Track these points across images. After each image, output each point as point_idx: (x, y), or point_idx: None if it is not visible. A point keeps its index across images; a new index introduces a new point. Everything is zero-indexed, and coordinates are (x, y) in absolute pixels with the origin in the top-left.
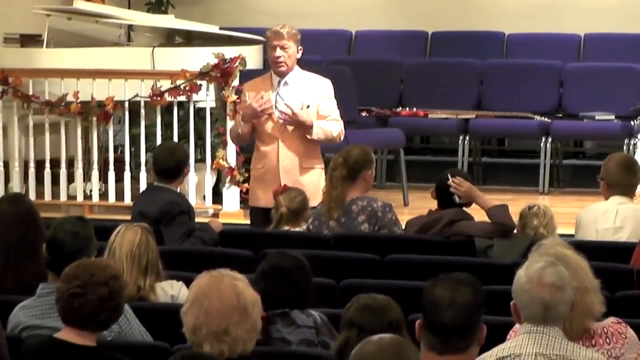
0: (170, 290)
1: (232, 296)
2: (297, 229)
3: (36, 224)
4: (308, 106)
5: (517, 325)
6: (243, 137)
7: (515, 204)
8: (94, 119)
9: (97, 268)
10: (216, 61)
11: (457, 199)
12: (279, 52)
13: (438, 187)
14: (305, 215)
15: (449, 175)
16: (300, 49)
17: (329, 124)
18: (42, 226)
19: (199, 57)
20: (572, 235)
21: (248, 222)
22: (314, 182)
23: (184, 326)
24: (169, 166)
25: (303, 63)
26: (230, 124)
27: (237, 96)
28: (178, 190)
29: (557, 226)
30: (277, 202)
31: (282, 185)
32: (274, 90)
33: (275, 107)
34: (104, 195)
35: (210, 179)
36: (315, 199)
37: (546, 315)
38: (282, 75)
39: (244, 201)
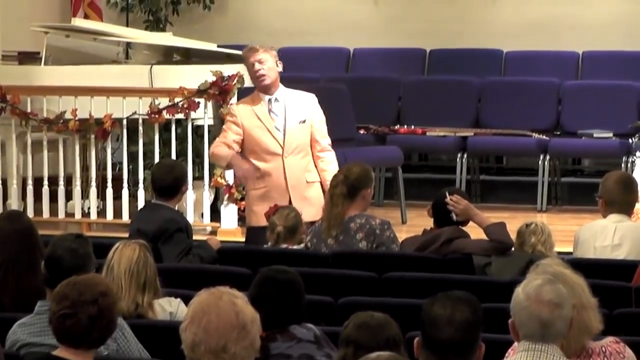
0: (168, 307)
1: (231, 313)
2: (295, 247)
3: (34, 241)
4: (304, 121)
5: (515, 343)
6: (222, 163)
7: (514, 221)
8: (92, 136)
9: (86, 286)
10: (214, 79)
11: (454, 217)
12: (257, 66)
13: (435, 205)
14: (301, 231)
15: (447, 193)
16: (280, 64)
17: (333, 166)
18: (40, 243)
19: (197, 75)
20: (571, 253)
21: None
22: (318, 197)
23: (182, 343)
24: (167, 184)
25: (301, 81)
26: None
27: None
28: (176, 208)
29: (555, 244)
30: (272, 223)
31: (274, 205)
32: (266, 108)
33: (274, 125)
34: (102, 212)
35: (208, 197)
36: (320, 214)
37: (544, 332)
38: (267, 89)
39: (242, 219)
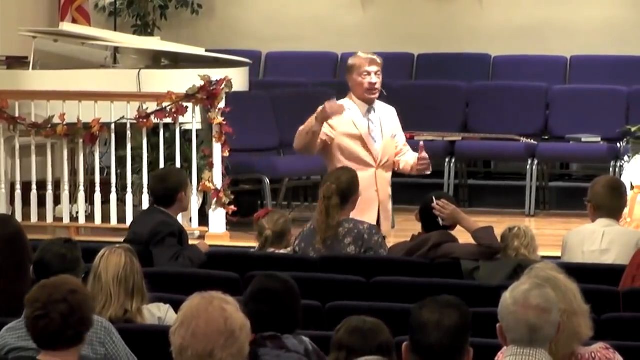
0: (157, 312)
1: (220, 319)
2: (282, 251)
3: (22, 245)
4: (395, 136)
5: (504, 348)
6: (311, 143)
7: (501, 226)
8: (80, 141)
9: (54, 286)
10: (202, 83)
11: (441, 222)
12: (375, 78)
13: (422, 210)
14: (288, 236)
15: (434, 198)
16: None
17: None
18: (29, 248)
19: (185, 79)
20: (559, 258)
21: (234, 244)
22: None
23: (172, 346)
24: (160, 194)
25: (289, 85)
26: (216, 146)
27: (222, 118)
28: (175, 216)
29: (544, 248)
30: (261, 226)
31: (265, 209)
32: (365, 118)
33: (370, 136)
34: (90, 217)
35: (196, 201)
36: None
37: (532, 337)
38: (372, 102)
39: (230, 223)
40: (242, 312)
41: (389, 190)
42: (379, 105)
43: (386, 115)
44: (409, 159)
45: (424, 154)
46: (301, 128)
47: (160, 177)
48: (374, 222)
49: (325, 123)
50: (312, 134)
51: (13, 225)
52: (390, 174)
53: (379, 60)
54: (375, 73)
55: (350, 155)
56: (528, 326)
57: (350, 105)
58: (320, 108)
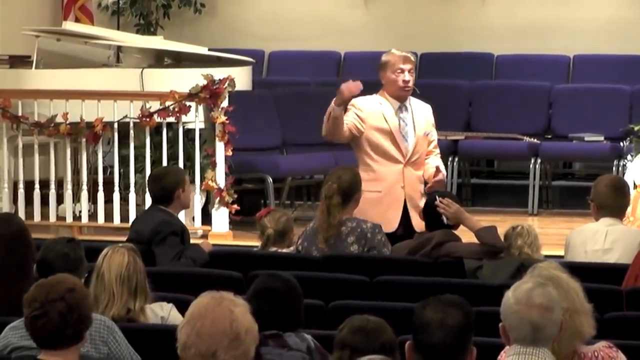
0: (160, 311)
1: (226, 321)
2: (285, 250)
3: (26, 244)
4: (427, 134)
5: (507, 347)
6: (335, 128)
7: (504, 225)
8: (83, 140)
9: (52, 285)
10: (205, 82)
11: (445, 221)
12: (408, 76)
13: (426, 209)
14: (290, 235)
15: (437, 197)
16: None
17: (441, 165)
18: (33, 247)
19: (188, 79)
20: (562, 257)
21: (237, 243)
22: None
23: (177, 341)
24: (157, 194)
25: (292, 84)
26: (219, 145)
27: (225, 117)
28: (176, 213)
29: (546, 247)
30: (262, 225)
31: (267, 208)
32: (395, 114)
33: (400, 132)
34: (93, 216)
35: (199, 200)
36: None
37: (535, 336)
38: (404, 99)
39: (232, 222)
40: (251, 315)
41: (420, 188)
42: (414, 102)
43: (421, 113)
44: (430, 165)
45: (440, 177)
46: (325, 117)
47: (156, 177)
48: (397, 218)
49: (355, 114)
50: (334, 119)
51: (16, 224)
52: (421, 171)
53: (412, 58)
54: (409, 71)
55: (378, 150)
56: (531, 325)
57: (381, 100)
58: (338, 91)
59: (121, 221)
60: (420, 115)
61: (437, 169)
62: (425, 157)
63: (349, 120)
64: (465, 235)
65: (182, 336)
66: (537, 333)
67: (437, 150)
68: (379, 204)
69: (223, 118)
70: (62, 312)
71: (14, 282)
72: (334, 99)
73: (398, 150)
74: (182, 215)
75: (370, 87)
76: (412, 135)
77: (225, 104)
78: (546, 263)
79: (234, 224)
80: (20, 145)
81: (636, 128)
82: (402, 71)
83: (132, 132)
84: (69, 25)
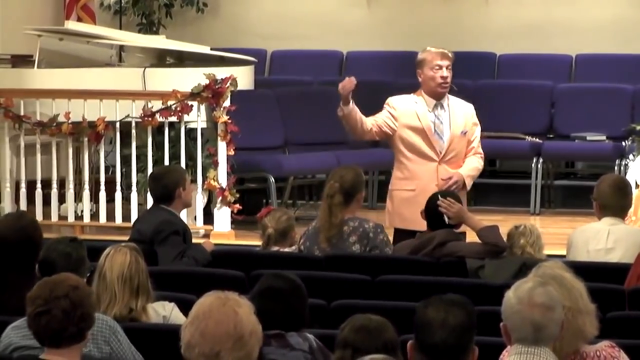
0: (162, 311)
1: (230, 323)
2: (287, 249)
3: (33, 244)
4: (465, 133)
5: (509, 347)
6: (351, 128)
7: (506, 224)
8: (85, 139)
9: (56, 283)
10: (207, 82)
11: (447, 220)
12: (446, 72)
13: (428, 208)
14: (292, 234)
15: (439, 196)
16: None
17: (471, 165)
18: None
19: (190, 78)
20: (564, 256)
21: (239, 242)
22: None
23: (181, 340)
24: (158, 193)
25: (294, 83)
26: (221, 144)
27: (228, 117)
28: (178, 212)
29: (549, 247)
30: (263, 224)
31: (267, 207)
32: (431, 112)
33: (435, 130)
34: (95, 215)
35: (201, 200)
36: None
37: (537, 336)
38: (442, 97)
39: (235, 222)
40: (255, 316)
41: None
42: (453, 100)
43: (459, 111)
44: (464, 165)
45: (450, 184)
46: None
47: (156, 176)
48: None
49: (387, 113)
50: (344, 118)
51: (24, 223)
52: (457, 168)
53: (450, 55)
54: (447, 67)
55: (412, 148)
56: (533, 325)
57: (416, 99)
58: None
59: (123, 221)
60: (459, 114)
61: (448, 179)
62: (464, 156)
63: (381, 118)
64: (469, 235)
65: (186, 336)
66: (538, 333)
67: (479, 149)
68: (413, 203)
69: (225, 117)
70: (65, 310)
71: (17, 280)
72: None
73: (432, 148)
74: (184, 215)
75: (373, 87)
76: (447, 134)
77: (227, 103)
78: (551, 262)
79: (236, 223)
80: (23, 145)
81: (638, 127)
82: (440, 67)
83: (134, 131)
84: (71, 25)
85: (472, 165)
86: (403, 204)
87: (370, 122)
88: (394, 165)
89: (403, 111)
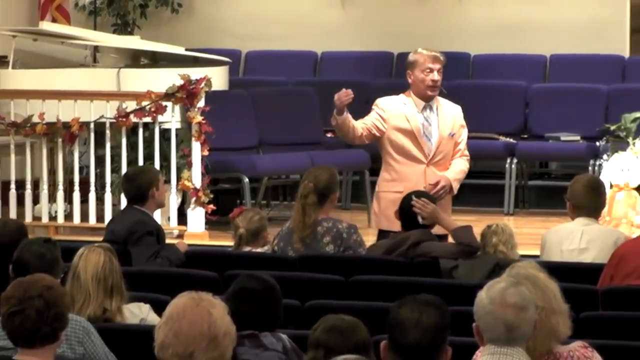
0: (138, 312)
1: (204, 323)
2: (259, 250)
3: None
4: (453, 135)
5: (482, 347)
6: (346, 135)
7: (480, 225)
8: (60, 140)
9: (30, 283)
10: (182, 82)
11: (421, 220)
12: (437, 75)
13: (402, 209)
14: (264, 235)
15: (413, 197)
16: None
17: (458, 168)
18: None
19: (165, 78)
20: (538, 256)
21: (213, 243)
22: (449, 206)
23: (155, 340)
24: (131, 193)
25: (268, 84)
26: (196, 145)
27: (202, 117)
28: (152, 212)
29: (522, 247)
30: (235, 225)
31: (240, 208)
32: (420, 114)
33: (423, 132)
34: (69, 216)
35: (175, 200)
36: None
37: (510, 336)
38: (431, 99)
39: (209, 222)
40: (229, 317)
41: None
42: (442, 102)
43: (448, 113)
44: (450, 168)
45: (438, 188)
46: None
47: (129, 177)
48: None
49: (377, 115)
50: (338, 127)
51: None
52: (444, 170)
53: (441, 58)
54: (438, 70)
55: (400, 150)
56: (505, 325)
57: (405, 100)
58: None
59: (97, 221)
60: (447, 116)
61: (436, 183)
62: (451, 158)
63: (370, 120)
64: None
65: (159, 336)
66: (511, 333)
67: (465, 151)
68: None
69: (199, 118)
70: (39, 309)
71: None
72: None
73: (420, 150)
74: (157, 215)
75: (348, 87)
76: (435, 135)
77: (201, 103)
78: (525, 262)
79: (210, 224)
80: None
81: (612, 128)
82: (432, 70)
83: (108, 132)
84: (46, 26)
85: (459, 168)
86: (390, 205)
87: (361, 127)
88: (382, 167)
89: (392, 113)
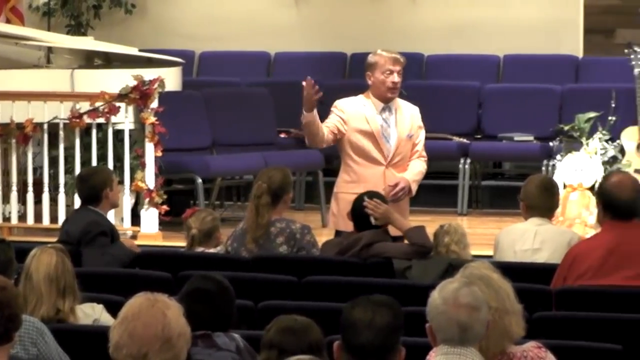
0: (91, 312)
1: (158, 325)
2: (212, 250)
3: None
4: (411, 136)
5: (435, 348)
6: (313, 133)
7: (434, 225)
8: (13, 141)
9: None
10: (135, 83)
11: (373, 221)
12: (397, 77)
13: (354, 210)
14: (217, 235)
15: (365, 197)
16: None
17: (416, 169)
18: None
19: (118, 79)
20: (491, 257)
21: (166, 243)
22: (407, 208)
23: (109, 340)
24: (85, 194)
25: (222, 84)
26: (149, 146)
27: (155, 118)
28: (106, 213)
29: (476, 247)
30: (188, 225)
31: (192, 208)
32: (379, 115)
33: (382, 134)
34: (22, 217)
35: (128, 201)
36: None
37: (463, 336)
38: (390, 101)
39: (162, 223)
40: (184, 319)
41: None
42: (401, 103)
43: (406, 114)
44: (408, 170)
45: (397, 190)
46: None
47: (83, 177)
48: None
49: (337, 116)
50: (306, 125)
51: None
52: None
53: (402, 60)
54: (398, 72)
55: (360, 152)
56: (459, 325)
57: (364, 102)
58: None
59: (51, 222)
60: (406, 117)
61: (395, 185)
62: (409, 159)
63: (332, 123)
64: None
65: (114, 336)
66: (464, 333)
67: (423, 153)
68: None
69: (153, 119)
70: None
71: None
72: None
73: (380, 152)
74: (111, 216)
75: (301, 87)
76: (394, 137)
77: (155, 104)
78: (478, 263)
79: (164, 224)
80: None
81: (566, 128)
82: (392, 72)
83: (62, 132)
84: (0, 26)
85: (417, 170)
86: (349, 207)
87: (325, 130)
88: (341, 168)
89: (352, 114)
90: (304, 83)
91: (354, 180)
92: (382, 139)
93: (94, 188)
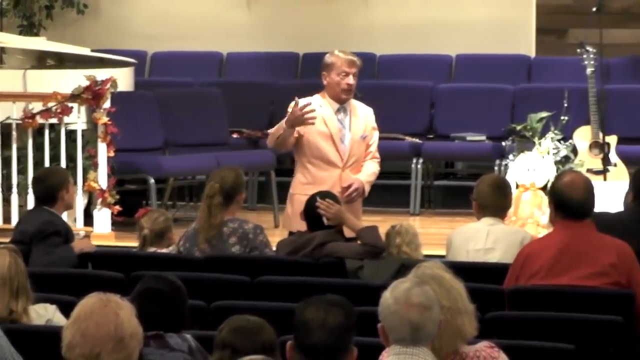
0: (44, 313)
1: (111, 325)
2: (164, 250)
3: None
4: (365, 137)
5: (388, 348)
6: (283, 143)
7: (386, 225)
8: None
9: None
10: (88, 83)
11: (326, 221)
12: (352, 79)
13: (307, 210)
14: (169, 235)
15: (318, 198)
16: None
17: (369, 170)
18: None
19: (71, 80)
20: (443, 256)
21: (119, 244)
22: (360, 209)
23: (62, 340)
24: (41, 194)
25: (174, 85)
26: (101, 146)
27: (108, 118)
28: (60, 214)
29: (429, 247)
30: (140, 225)
31: (145, 209)
32: (335, 116)
33: (338, 134)
34: None
35: (81, 201)
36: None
37: (415, 336)
38: (344, 102)
39: (115, 223)
40: (136, 319)
41: None
42: (355, 104)
43: (360, 115)
44: (362, 171)
45: (351, 192)
46: (273, 130)
47: (40, 178)
48: None
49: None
50: (284, 139)
51: None
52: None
53: (358, 62)
54: (353, 74)
55: (317, 153)
56: (410, 325)
57: (321, 102)
58: (289, 112)
59: (4, 222)
60: (360, 118)
61: (349, 186)
62: (362, 160)
63: None
64: None
65: (67, 336)
66: (416, 333)
67: (376, 154)
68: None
69: (105, 119)
70: None
71: None
72: (286, 119)
73: (337, 154)
74: (64, 216)
75: (253, 88)
76: (348, 138)
77: (107, 104)
78: (430, 263)
79: (116, 224)
80: None
81: (518, 127)
82: (347, 75)
83: (14, 133)
84: None
85: (371, 171)
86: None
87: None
88: (297, 169)
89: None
90: (292, 104)
91: (310, 182)
92: (338, 140)
93: (51, 188)
